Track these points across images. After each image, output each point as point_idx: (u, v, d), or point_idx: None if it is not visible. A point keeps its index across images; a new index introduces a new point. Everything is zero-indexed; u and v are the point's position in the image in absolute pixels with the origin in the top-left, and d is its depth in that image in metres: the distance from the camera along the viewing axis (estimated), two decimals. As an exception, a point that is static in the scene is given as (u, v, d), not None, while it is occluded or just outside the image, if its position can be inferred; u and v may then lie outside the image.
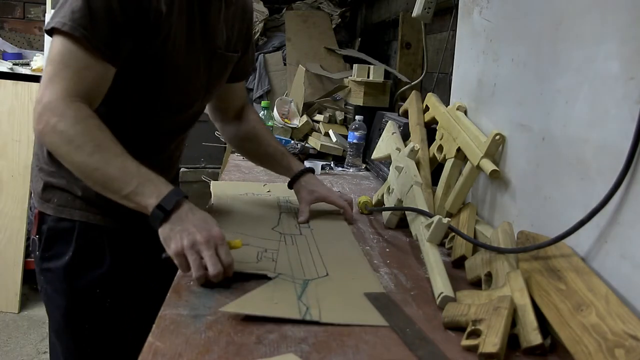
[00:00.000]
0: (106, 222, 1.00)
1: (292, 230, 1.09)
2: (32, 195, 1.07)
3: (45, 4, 2.56)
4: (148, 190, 0.79)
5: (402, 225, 1.16)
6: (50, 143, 0.82)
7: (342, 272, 0.90)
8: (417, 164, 1.24)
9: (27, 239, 2.41)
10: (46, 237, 1.01)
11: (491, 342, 0.66)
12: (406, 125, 1.47)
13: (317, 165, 1.75)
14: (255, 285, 0.80)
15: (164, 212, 0.79)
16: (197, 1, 0.96)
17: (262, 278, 0.83)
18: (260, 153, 1.24)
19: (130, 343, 0.94)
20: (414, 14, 1.70)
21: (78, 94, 0.82)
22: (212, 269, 0.77)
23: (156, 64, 0.93)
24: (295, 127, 2.09)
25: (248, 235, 1.00)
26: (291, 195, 1.25)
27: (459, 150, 1.17)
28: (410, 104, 1.53)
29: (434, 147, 1.30)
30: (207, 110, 1.24)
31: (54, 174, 1.00)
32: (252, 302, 0.75)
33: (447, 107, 1.35)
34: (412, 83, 1.93)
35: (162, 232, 0.79)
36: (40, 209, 1.01)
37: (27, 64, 2.63)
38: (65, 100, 0.80)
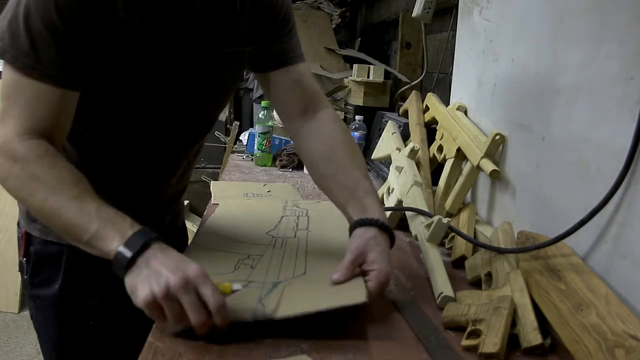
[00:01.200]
0: None
1: (287, 233, 1.02)
2: (19, 211, 0.99)
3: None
4: (110, 233, 0.66)
5: (402, 225, 1.16)
6: (10, 190, 0.72)
7: (323, 270, 0.79)
8: (417, 164, 1.24)
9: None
10: (34, 260, 0.93)
11: (491, 342, 0.66)
12: (406, 125, 1.47)
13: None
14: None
15: (128, 255, 0.64)
16: (165, 1, 0.79)
17: (255, 328, 0.68)
18: (335, 182, 0.88)
19: None
20: (414, 14, 1.70)
21: (31, 130, 0.71)
22: (195, 317, 0.62)
23: (129, 74, 0.80)
24: (295, 127, 2.09)
25: (234, 241, 0.95)
26: (299, 198, 1.20)
27: (459, 150, 1.17)
28: (410, 104, 1.53)
29: (434, 147, 1.30)
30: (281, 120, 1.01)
31: None
32: None
33: (447, 107, 1.35)
34: (412, 83, 1.93)
35: (128, 280, 0.64)
36: (27, 229, 0.94)
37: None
38: (16, 140, 0.70)
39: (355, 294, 0.70)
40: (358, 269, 0.76)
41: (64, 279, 0.91)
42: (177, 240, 1.13)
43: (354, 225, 0.81)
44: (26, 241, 0.94)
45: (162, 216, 1.05)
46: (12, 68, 0.71)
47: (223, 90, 0.96)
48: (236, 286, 0.72)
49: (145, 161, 0.93)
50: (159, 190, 1.00)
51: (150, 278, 0.63)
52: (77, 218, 0.68)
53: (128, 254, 0.64)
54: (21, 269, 0.97)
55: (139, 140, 0.89)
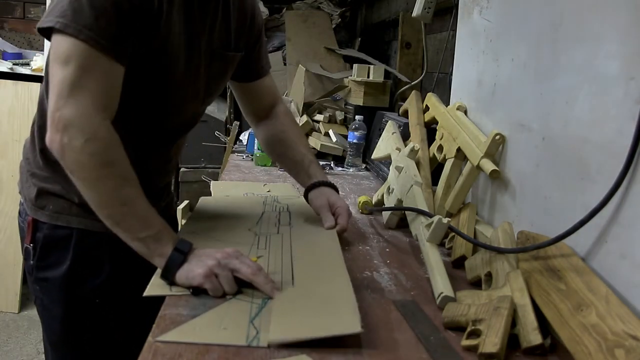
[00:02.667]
0: (105, 229, 0.88)
1: (269, 229, 1.02)
2: (23, 201, 1.01)
3: (45, 4, 2.57)
4: (166, 237, 0.78)
5: (402, 225, 1.16)
6: (74, 163, 0.75)
7: (312, 282, 0.81)
8: (417, 164, 1.24)
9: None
10: (42, 245, 0.96)
11: (491, 342, 0.66)
12: (406, 125, 1.47)
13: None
14: (212, 305, 0.74)
15: (182, 253, 0.77)
16: (197, 5, 0.92)
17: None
18: (288, 158, 1.16)
19: (131, 351, 0.93)
20: (414, 14, 1.70)
21: (105, 108, 0.77)
22: (249, 270, 0.76)
23: (157, 64, 0.88)
24: (295, 127, 2.09)
25: (218, 240, 0.94)
26: (284, 194, 1.21)
27: (459, 150, 1.17)
28: (410, 103, 1.53)
29: (434, 147, 1.30)
30: (244, 115, 1.22)
31: (48, 179, 0.95)
32: (197, 328, 0.68)
33: (447, 107, 1.35)
34: (412, 83, 1.93)
35: (181, 272, 0.77)
36: (35, 216, 0.96)
37: (27, 64, 2.63)
38: (94, 118, 0.75)
39: (349, 321, 0.68)
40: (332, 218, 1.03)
41: (73, 260, 0.95)
42: (171, 226, 1.19)
43: (307, 189, 1.09)
44: (33, 228, 0.97)
45: (159, 202, 1.11)
46: (76, 40, 0.74)
47: (218, 90, 1.10)
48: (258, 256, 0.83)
49: (150, 149, 1.01)
50: (158, 177, 1.10)
51: (202, 261, 0.76)
52: (145, 214, 0.78)
53: (182, 251, 0.77)
54: (27, 256, 0.99)
55: (146, 131, 0.97)
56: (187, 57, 0.93)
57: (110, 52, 0.77)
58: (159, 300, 0.75)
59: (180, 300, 0.75)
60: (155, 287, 0.78)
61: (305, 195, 1.10)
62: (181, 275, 0.77)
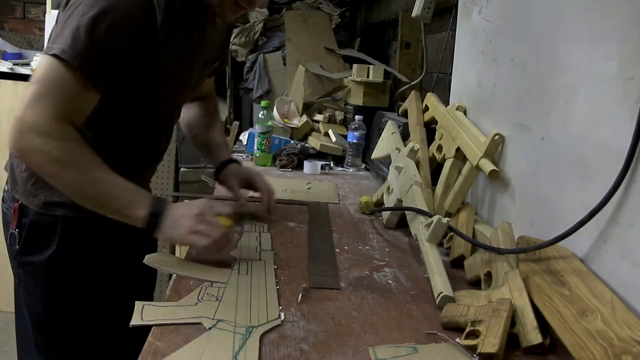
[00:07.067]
0: (90, 217, 0.91)
1: (250, 254, 0.95)
2: (11, 186, 1.03)
3: (45, 4, 2.56)
4: (138, 202, 0.85)
5: (402, 225, 1.16)
6: (34, 163, 0.84)
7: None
8: (417, 163, 1.24)
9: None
10: (27, 230, 0.99)
11: (490, 342, 0.66)
12: (406, 125, 1.47)
13: (317, 165, 1.75)
14: (190, 335, 0.67)
15: (156, 216, 0.85)
16: (195, 22, 0.97)
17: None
18: (200, 139, 1.26)
19: (114, 333, 0.96)
20: (413, 14, 1.70)
21: (64, 117, 0.82)
22: (228, 209, 0.88)
23: (150, 83, 0.94)
24: (295, 127, 2.09)
25: (195, 262, 0.89)
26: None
27: (458, 150, 1.17)
28: (410, 103, 1.53)
29: (433, 147, 1.30)
30: None
31: None
32: None
33: (446, 107, 1.35)
34: (412, 83, 1.92)
35: (162, 233, 0.86)
36: (25, 202, 0.99)
37: (27, 64, 2.63)
38: (50, 121, 0.80)
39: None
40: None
41: (58, 245, 0.99)
42: None
43: (218, 168, 1.20)
44: (20, 213, 1.00)
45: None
46: (64, 65, 0.80)
47: (199, 89, 1.18)
48: (207, 324, 0.70)
49: (131, 144, 1.05)
50: (149, 167, 1.17)
51: (178, 220, 0.85)
52: (112, 189, 0.85)
53: (155, 214, 0.85)
54: (12, 241, 1.03)
55: (132, 127, 1.02)
56: (181, 73, 1.00)
57: (92, 83, 0.83)
58: (143, 284, 0.78)
59: (180, 300, 0.75)
60: (154, 257, 0.86)
61: (217, 176, 1.22)
62: (162, 235, 0.86)
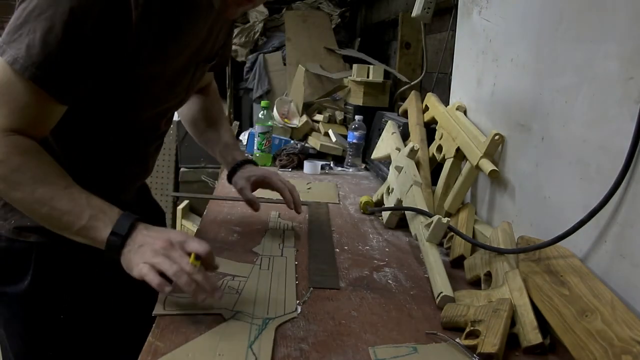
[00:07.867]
0: (66, 244, 0.79)
1: (272, 251, 0.99)
2: None
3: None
4: (101, 223, 0.72)
5: (402, 224, 1.16)
6: None
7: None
8: (417, 163, 1.24)
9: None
10: (0, 258, 0.89)
11: (490, 342, 0.66)
12: (406, 125, 1.47)
13: (317, 165, 1.75)
14: (209, 325, 0.69)
15: (119, 237, 0.71)
16: (185, 19, 0.83)
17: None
18: (207, 137, 1.17)
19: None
20: (413, 14, 1.70)
21: (17, 128, 0.72)
22: (188, 267, 0.68)
23: (127, 89, 0.83)
24: (295, 127, 2.09)
25: (219, 257, 0.85)
26: (282, 210, 1.20)
27: (458, 150, 1.17)
28: (410, 103, 1.53)
29: (433, 147, 1.30)
30: None
31: None
32: (191, 354, 0.63)
33: (446, 107, 1.35)
34: (412, 83, 1.93)
35: (123, 260, 0.72)
36: None
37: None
38: None
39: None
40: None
41: (34, 275, 0.89)
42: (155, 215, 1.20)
43: (232, 170, 1.11)
44: None
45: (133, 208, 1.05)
46: (16, 74, 0.69)
47: (195, 89, 1.08)
48: (226, 315, 0.72)
49: (120, 150, 0.95)
50: (137, 182, 1.07)
51: (140, 249, 0.71)
52: (69, 207, 0.72)
53: (118, 235, 0.71)
54: None
55: (121, 132, 0.92)
56: (168, 73, 0.88)
57: (48, 94, 0.72)
58: (126, 315, 0.73)
59: (173, 322, 0.71)
60: (160, 305, 0.74)
61: (229, 178, 1.12)
62: (123, 262, 0.72)
